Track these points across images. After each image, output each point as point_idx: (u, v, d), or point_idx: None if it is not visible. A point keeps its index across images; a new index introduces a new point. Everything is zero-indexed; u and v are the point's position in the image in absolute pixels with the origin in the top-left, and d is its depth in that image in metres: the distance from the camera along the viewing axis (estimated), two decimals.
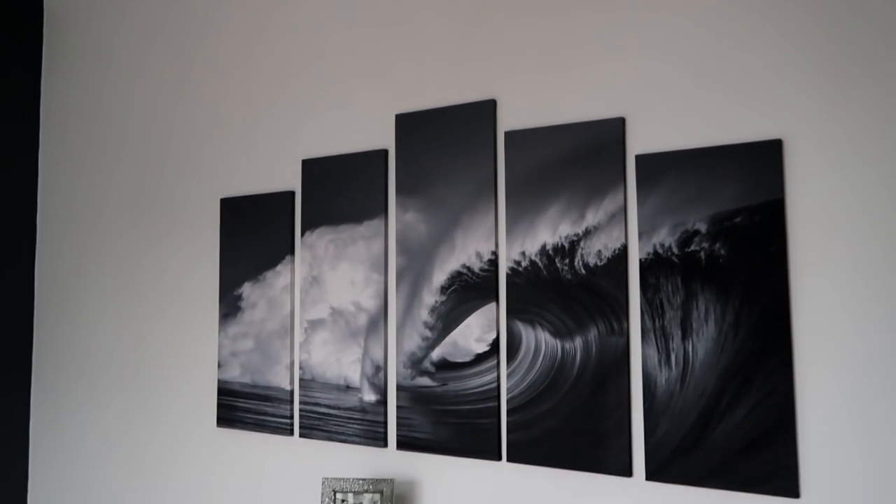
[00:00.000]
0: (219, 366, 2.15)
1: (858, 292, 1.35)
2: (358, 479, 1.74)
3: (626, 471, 1.52)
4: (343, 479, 1.75)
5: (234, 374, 2.11)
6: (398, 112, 1.90)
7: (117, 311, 2.46)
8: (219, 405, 2.14)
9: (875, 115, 1.36)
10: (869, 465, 1.32)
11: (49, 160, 2.71)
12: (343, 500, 1.74)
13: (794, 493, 1.35)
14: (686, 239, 1.49)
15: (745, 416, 1.40)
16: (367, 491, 1.74)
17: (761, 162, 1.42)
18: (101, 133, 2.57)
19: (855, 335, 1.34)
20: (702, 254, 1.47)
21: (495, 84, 1.77)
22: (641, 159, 1.55)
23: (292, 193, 2.06)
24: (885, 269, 1.33)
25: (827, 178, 1.39)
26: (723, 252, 1.45)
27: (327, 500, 1.75)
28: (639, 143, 1.57)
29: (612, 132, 1.59)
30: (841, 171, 1.37)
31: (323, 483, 1.76)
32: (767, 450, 1.37)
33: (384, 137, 1.93)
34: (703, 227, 1.47)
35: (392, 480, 1.74)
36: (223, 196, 2.22)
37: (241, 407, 2.10)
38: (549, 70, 1.70)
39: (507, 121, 1.74)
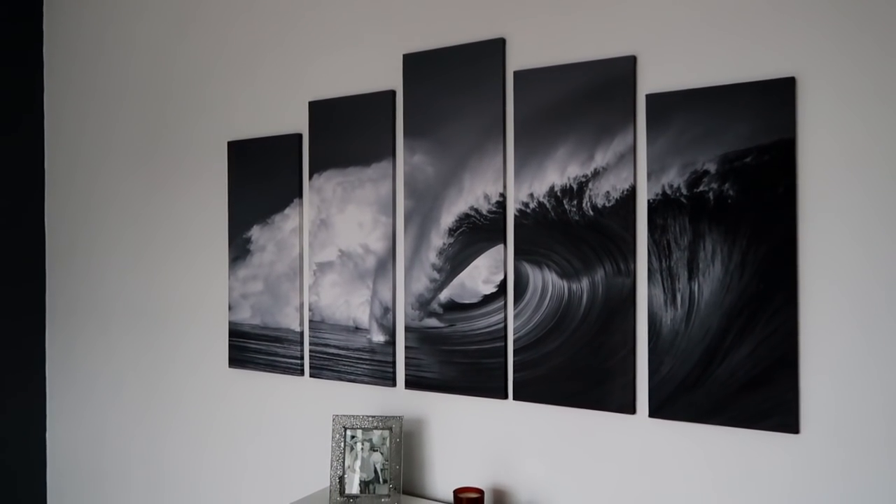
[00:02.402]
0: (229, 308, 2.18)
1: (867, 233, 1.34)
2: (367, 416, 1.79)
3: (630, 408, 1.55)
4: (353, 416, 1.80)
5: (245, 316, 2.15)
6: (406, 52, 1.88)
7: (128, 256, 2.49)
8: (230, 346, 2.18)
9: (892, 51, 1.33)
10: (869, 403, 1.34)
11: (54, 105, 2.70)
12: (353, 437, 1.79)
13: (794, 428, 1.38)
14: (695, 179, 1.48)
15: (748, 353, 1.42)
16: (376, 427, 1.78)
17: (774, 100, 1.40)
18: (105, 75, 2.55)
19: (861, 275, 1.35)
20: (710, 194, 1.46)
21: (504, 22, 1.74)
22: (652, 98, 1.53)
23: (299, 136, 2.05)
24: (895, 211, 1.32)
25: (840, 116, 1.37)
26: (731, 192, 1.44)
27: (338, 436, 1.80)
28: (649, 81, 1.55)
29: (622, 71, 1.56)
30: (855, 110, 1.36)
31: (333, 420, 1.80)
32: (769, 386, 1.40)
33: (391, 78, 1.90)
34: (712, 168, 1.46)
35: (401, 418, 1.78)
36: (230, 139, 2.22)
37: (252, 348, 2.14)
38: (559, 7, 1.67)
39: (517, 60, 1.72)
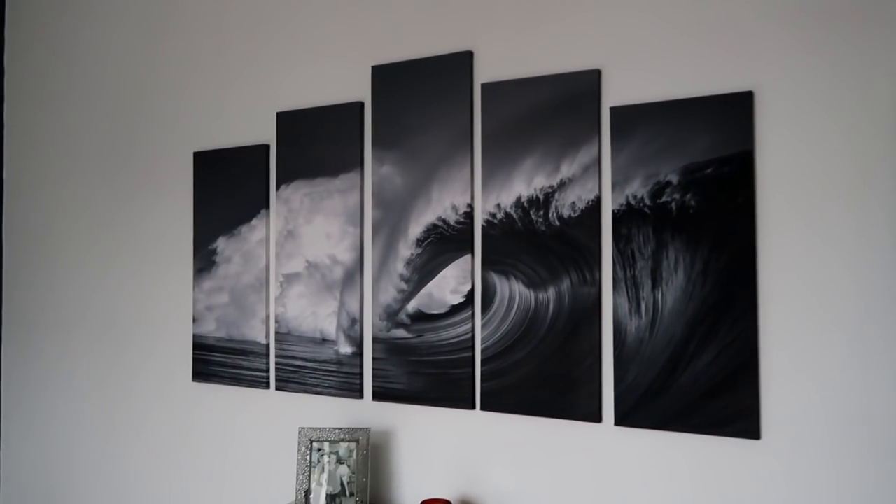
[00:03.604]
0: (194, 320, 2.14)
1: (821, 242, 1.39)
2: (334, 429, 1.77)
3: (596, 416, 1.56)
4: (319, 428, 1.77)
5: (210, 329, 2.11)
6: (374, 64, 1.89)
7: (90, 266, 2.43)
8: (194, 360, 2.14)
9: (843, 70, 1.38)
10: (826, 408, 1.37)
11: (15, 113, 2.64)
12: (319, 450, 1.77)
13: (756, 434, 1.41)
14: (658, 190, 1.51)
15: (710, 360, 1.44)
16: (343, 440, 1.76)
17: (733, 114, 1.44)
18: (71, 84, 2.51)
19: (817, 283, 1.39)
20: (673, 205, 1.49)
21: (472, 35, 1.76)
22: (616, 111, 1.56)
23: (267, 146, 2.04)
24: (848, 221, 1.37)
25: (795, 130, 1.41)
26: (693, 203, 1.48)
27: (304, 449, 1.77)
28: (614, 94, 1.58)
29: (587, 84, 1.59)
30: (809, 124, 1.40)
31: (299, 433, 1.78)
32: (731, 393, 1.42)
33: (360, 89, 1.91)
34: (674, 179, 1.49)
35: (368, 429, 1.77)
36: (196, 149, 2.19)
37: (216, 361, 2.10)
38: (526, 21, 1.70)
39: (484, 73, 1.74)
